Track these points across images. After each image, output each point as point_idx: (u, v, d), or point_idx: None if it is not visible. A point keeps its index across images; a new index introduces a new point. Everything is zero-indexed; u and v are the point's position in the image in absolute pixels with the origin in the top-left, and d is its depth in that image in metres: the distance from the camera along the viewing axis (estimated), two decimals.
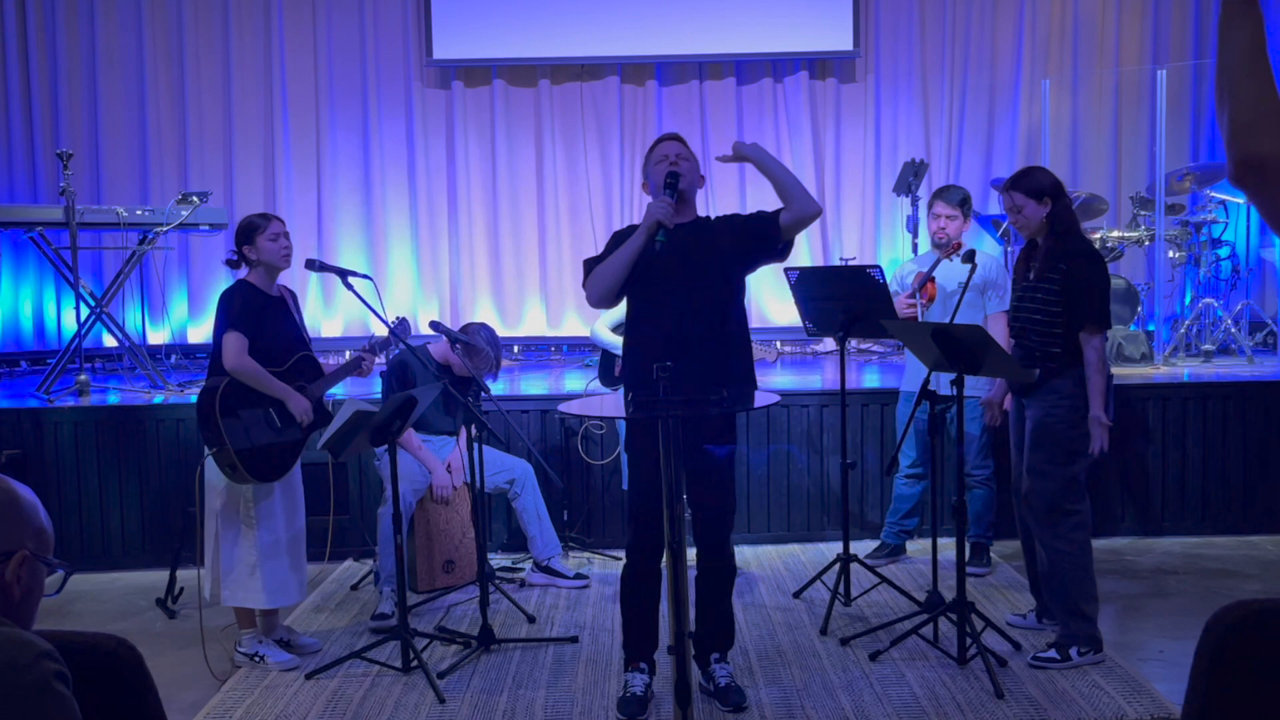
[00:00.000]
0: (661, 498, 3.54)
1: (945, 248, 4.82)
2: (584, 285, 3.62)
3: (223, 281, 7.91)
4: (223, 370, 3.94)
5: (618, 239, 3.61)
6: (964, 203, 4.87)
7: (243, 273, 4.12)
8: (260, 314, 4.01)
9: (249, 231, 4.06)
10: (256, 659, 4.05)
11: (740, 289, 3.63)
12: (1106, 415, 3.80)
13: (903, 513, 5.15)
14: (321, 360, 4.28)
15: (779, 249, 3.54)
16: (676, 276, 3.47)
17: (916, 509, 5.14)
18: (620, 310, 5.11)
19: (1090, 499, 3.96)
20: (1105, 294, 3.82)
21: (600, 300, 3.59)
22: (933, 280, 4.78)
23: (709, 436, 3.54)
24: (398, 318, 4.40)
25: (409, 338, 4.37)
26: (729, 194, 8.04)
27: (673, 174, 3.46)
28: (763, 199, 8.19)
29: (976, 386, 4.77)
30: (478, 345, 4.70)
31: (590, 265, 3.62)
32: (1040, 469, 3.86)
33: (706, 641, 3.70)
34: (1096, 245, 5.37)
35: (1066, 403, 3.81)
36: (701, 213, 3.68)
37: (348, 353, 7.90)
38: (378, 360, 4.44)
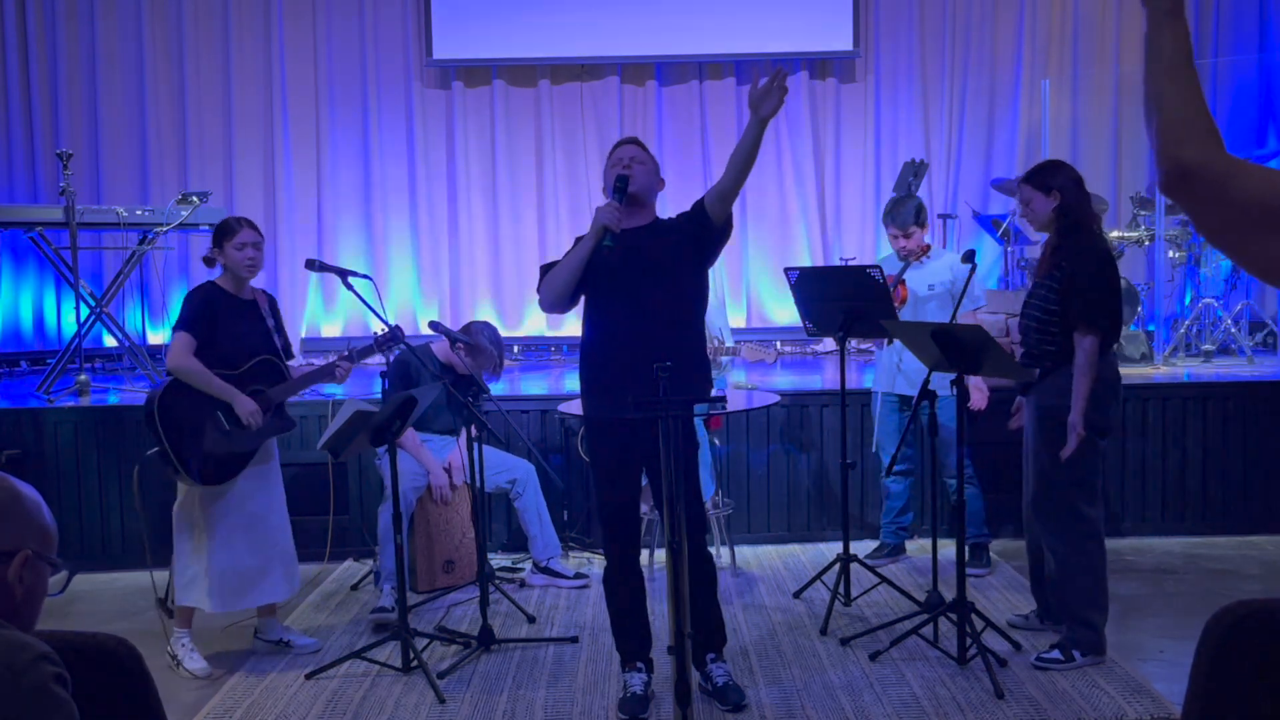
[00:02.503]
0: (627, 498, 3.59)
1: (911, 256, 4.85)
2: (537, 290, 3.61)
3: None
4: None
5: (578, 244, 3.60)
6: (918, 213, 4.80)
7: (216, 272, 4.10)
8: (219, 316, 3.96)
9: (221, 234, 4.03)
10: (173, 660, 4.03)
11: (699, 290, 3.61)
12: (1112, 418, 3.75)
13: (896, 510, 5.17)
14: (320, 361, 4.26)
15: (718, 228, 3.51)
16: (631, 279, 3.48)
17: (909, 504, 5.16)
18: None
19: (1104, 504, 3.89)
20: (1105, 294, 3.70)
21: (552, 305, 3.59)
22: (903, 283, 4.79)
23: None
24: (392, 325, 4.30)
25: (399, 346, 4.31)
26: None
27: (621, 178, 3.46)
28: (755, 197, 8.20)
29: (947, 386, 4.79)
30: (481, 344, 4.70)
31: (545, 270, 3.62)
32: (1043, 473, 3.80)
33: (699, 642, 3.69)
34: None
35: (1063, 402, 3.73)
36: (665, 215, 3.68)
37: (317, 363, 7.88)
38: (376, 362, 4.40)
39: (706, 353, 3.67)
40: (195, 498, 3.99)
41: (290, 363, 4.21)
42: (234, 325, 4.00)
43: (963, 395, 3.82)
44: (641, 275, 3.47)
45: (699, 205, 3.51)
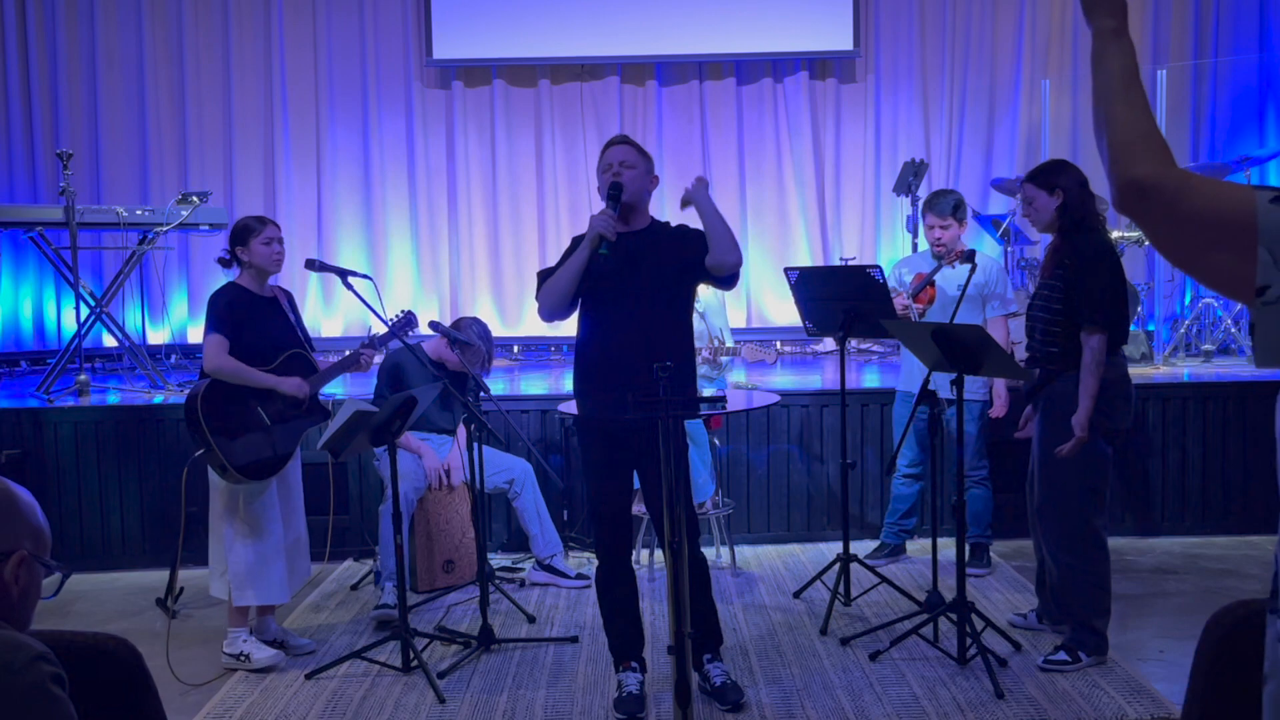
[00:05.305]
0: (619, 500, 3.63)
1: (945, 256, 4.76)
2: (536, 297, 3.59)
3: (222, 282, 7.91)
4: None
5: (575, 244, 3.59)
6: (957, 208, 4.72)
7: (234, 273, 4.15)
8: (246, 315, 4.03)
9: (244, 234, 4.10)
10: (241, 658, 4.03)
11: (687, 300, 3.64)
12: (1122, 422, 3.68)
13: (901, 513, 5.15)
14: (320, 360, 4.29)
15: (717, 280, 3.55)
16: (622, 285, 3.47)
17: (914, 509, 5.14)
18: None
19: (1107, 513, 3.80)
20: (1110, 293, 3.61)
21: (551, 314, 3.55)
22: (932, 284, 4.73)
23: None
24: (404, 311, 4.39)
25: (413, 332, 4.37)
26: (720, 194, 8.02)
27: (615, 185, 3.44)
28: (755, 197, 8.21)
29: (974, 388, 4.79)
30: (469, 340, 4.71)
31: (543, 277, 3.59)
32: (1051, 479, 3.74)
33: (695, 642, 3.68)
34: None
35: (1070, 408, 3.66)
36: (661, 217, 3.68)
37: (347, 352, 7.89)
38: (378, 355, 4.45)
39: (694, 362, 3.69)
40: (240, 497, 4.02)
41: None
42: (261, 323, 4.07)
43: (962, 396, 3.80)
44: (635, 280, 3.47)
45: (701, 257, 3.46)
